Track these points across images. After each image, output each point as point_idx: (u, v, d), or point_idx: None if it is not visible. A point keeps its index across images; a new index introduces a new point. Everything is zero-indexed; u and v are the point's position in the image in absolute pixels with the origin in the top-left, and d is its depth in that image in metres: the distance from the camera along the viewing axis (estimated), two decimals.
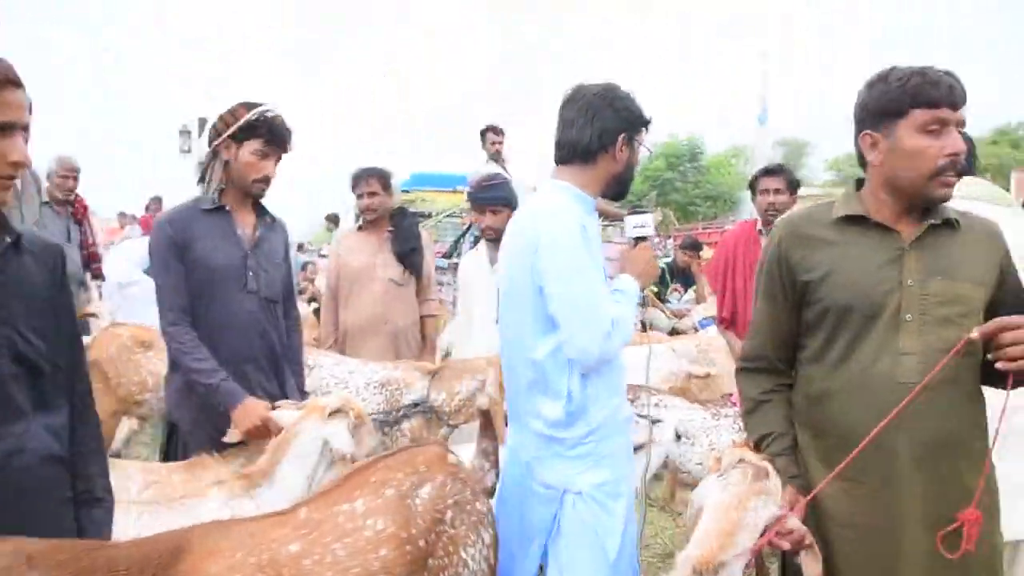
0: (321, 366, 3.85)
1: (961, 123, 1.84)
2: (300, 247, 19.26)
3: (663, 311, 7.69)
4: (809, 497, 1.93)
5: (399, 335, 4.41)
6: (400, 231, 4.50)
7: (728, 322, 4.39)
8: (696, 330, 7.48)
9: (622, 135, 2.33)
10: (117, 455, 4.76)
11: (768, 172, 4.32)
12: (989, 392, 1.92)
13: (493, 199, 4.03)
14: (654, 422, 3.58)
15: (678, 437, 3.58)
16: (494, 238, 4.02)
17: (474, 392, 3.55)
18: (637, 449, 2.87)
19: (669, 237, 11.14)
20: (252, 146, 2.84)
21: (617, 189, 2.43)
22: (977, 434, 1.91)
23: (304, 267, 11.13)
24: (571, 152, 2.35)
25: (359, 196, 4.50)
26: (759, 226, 4.32)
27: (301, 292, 10.52)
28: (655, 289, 7.62)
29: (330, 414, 2.60)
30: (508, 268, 2.41)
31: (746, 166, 41.87)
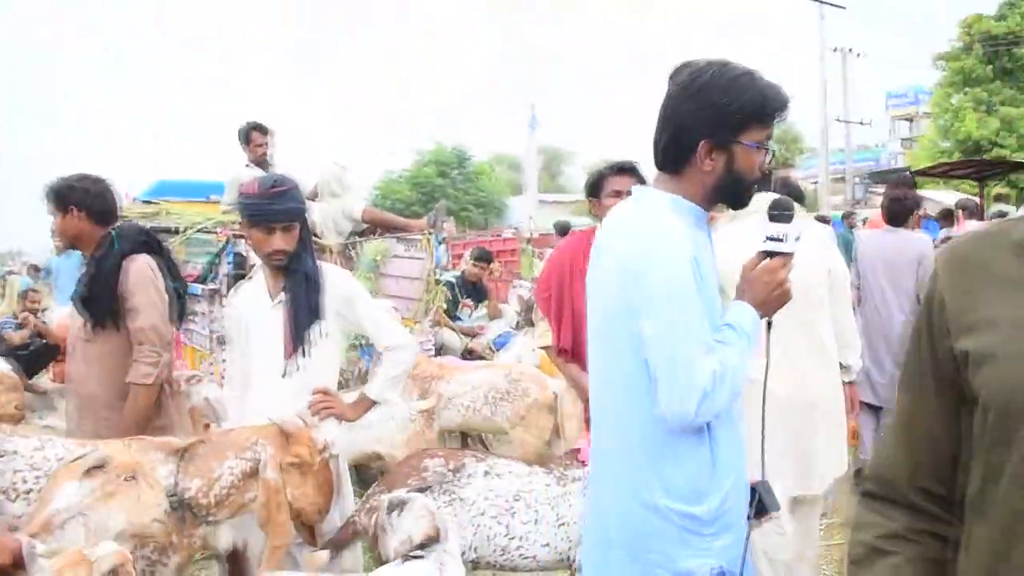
0: (16, 453, 2.72)
1: None
2: (35, 269, 16.56)
3: (454, 331, 7.00)
4: None
5: (86, 406, 3.29)
6: (88, 267, 3.31)
7: (569, 353, 3.59)
8: (492, 349, 6.88)
9: (703, 142, 1.87)
10: None
11: (621, 169, 3.51)
12: None
13: (286, 213, 2.91)
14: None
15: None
16: (283, 264, 2.97)
17: (241, 477, 2.59)
18: None
19: (440, 244, 10.44)
20: None
21: (724, 200, 2.01)
22: None
23: (25, 294, 9.34)
24: (656, 158, 1.97)
25: None
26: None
27: (21, 326, 8.75)
28: (443, 306, 6.91)
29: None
30: (601, 295, 2.02)
31: (511, 173, 42.57)
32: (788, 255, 1.93)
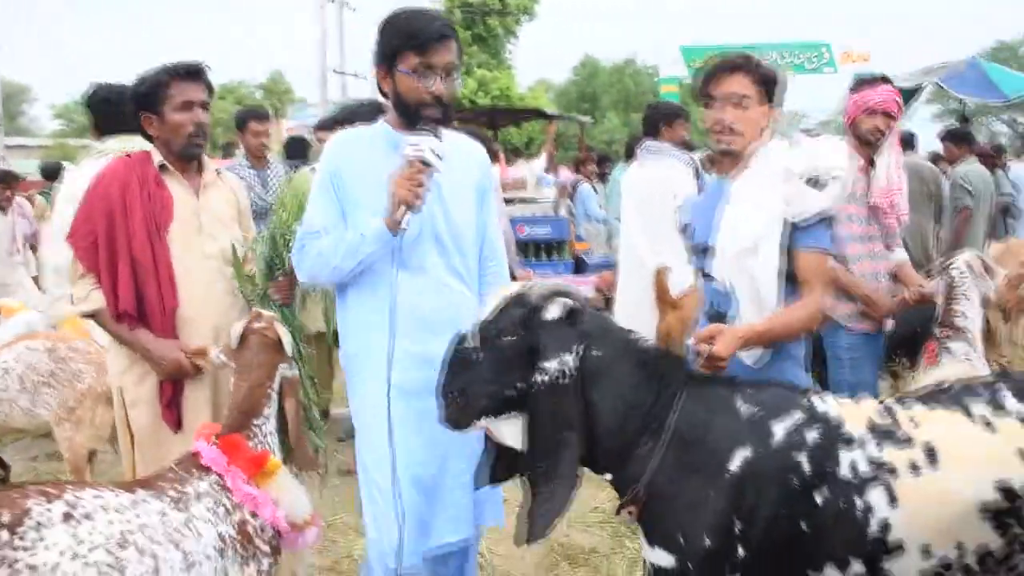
0: None
1: None
2: None
3: None
4: None
5: None
6: None
7: (133, 317, 2.66)
8: None
9: (376, 68, 2.31)
10: None
11: (189, 73, 2.74)
12: None
13: None
14: None
15: None
16: None
17: None
18: None
19: None
20: None
21: (408, 121, 2.32)
22: None
23: None
24: None
25: None
26: (158, 160, 2.73)
27: None
28: None
29: None
30: None
31: None
32: (428, 165, 2.18)
